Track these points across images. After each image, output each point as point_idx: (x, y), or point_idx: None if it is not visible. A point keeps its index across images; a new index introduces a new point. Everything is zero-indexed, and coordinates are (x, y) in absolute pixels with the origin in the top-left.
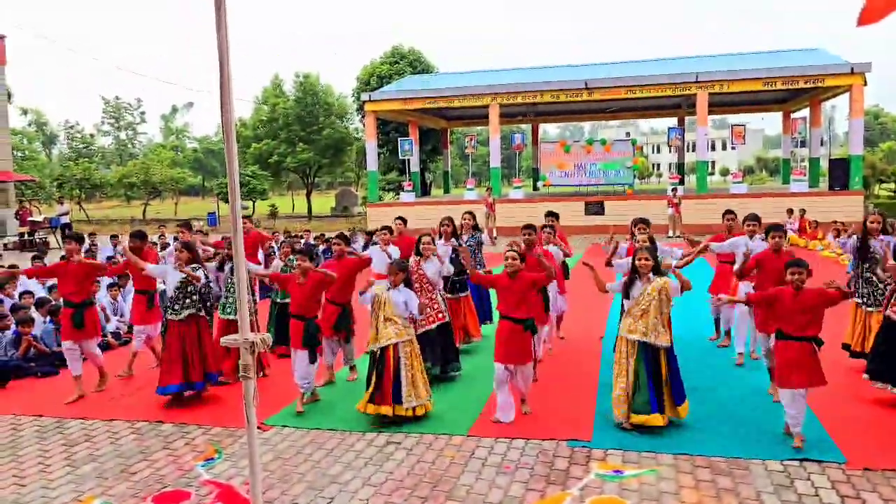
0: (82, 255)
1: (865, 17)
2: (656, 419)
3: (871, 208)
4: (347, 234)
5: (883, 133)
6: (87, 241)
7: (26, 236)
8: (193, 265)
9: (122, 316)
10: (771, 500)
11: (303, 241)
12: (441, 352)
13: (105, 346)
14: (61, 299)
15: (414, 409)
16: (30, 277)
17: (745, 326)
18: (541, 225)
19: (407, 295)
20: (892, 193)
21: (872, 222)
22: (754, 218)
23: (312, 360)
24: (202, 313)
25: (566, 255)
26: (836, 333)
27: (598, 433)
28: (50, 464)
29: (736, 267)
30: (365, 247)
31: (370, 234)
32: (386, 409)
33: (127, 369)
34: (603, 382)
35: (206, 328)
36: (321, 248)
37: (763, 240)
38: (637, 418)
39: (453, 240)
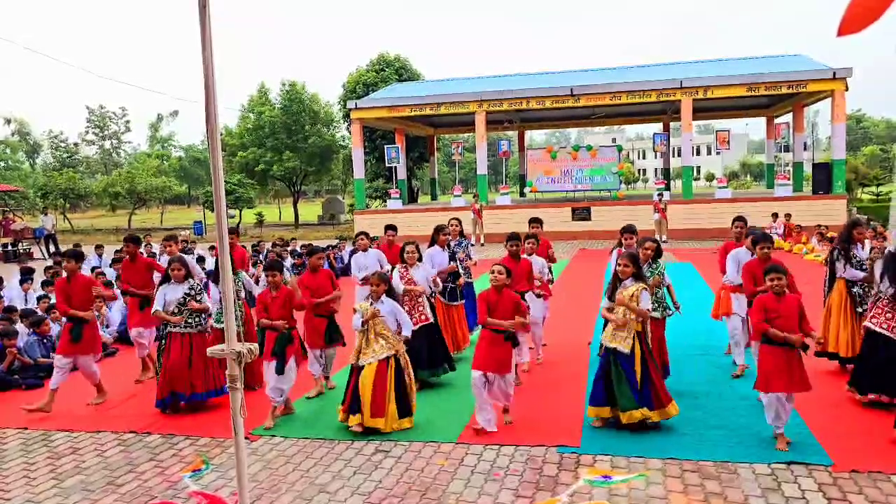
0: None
1: (846, 27)
2: (647, 413)
3: (854, 213)
4: (336, 242)
5: (865, 137)
6: None
7: (10, 247)
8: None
9: (108, 326)
10: None
11: (289, 248)
12: (427, 353)
13: None
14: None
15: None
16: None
17: (744, 338)
18: (524, 234)
19: (392, 307)
20: (874, 197)
21: (858, 231)
22: (741, 219)
23: (279, 370)
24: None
25: (551, 260)
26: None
27: (587, 439)
28: (35, 477)
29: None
30: (351, 255)
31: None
32: (387, 423)
33: (150, 373)
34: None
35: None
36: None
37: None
38: (626, 416)
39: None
